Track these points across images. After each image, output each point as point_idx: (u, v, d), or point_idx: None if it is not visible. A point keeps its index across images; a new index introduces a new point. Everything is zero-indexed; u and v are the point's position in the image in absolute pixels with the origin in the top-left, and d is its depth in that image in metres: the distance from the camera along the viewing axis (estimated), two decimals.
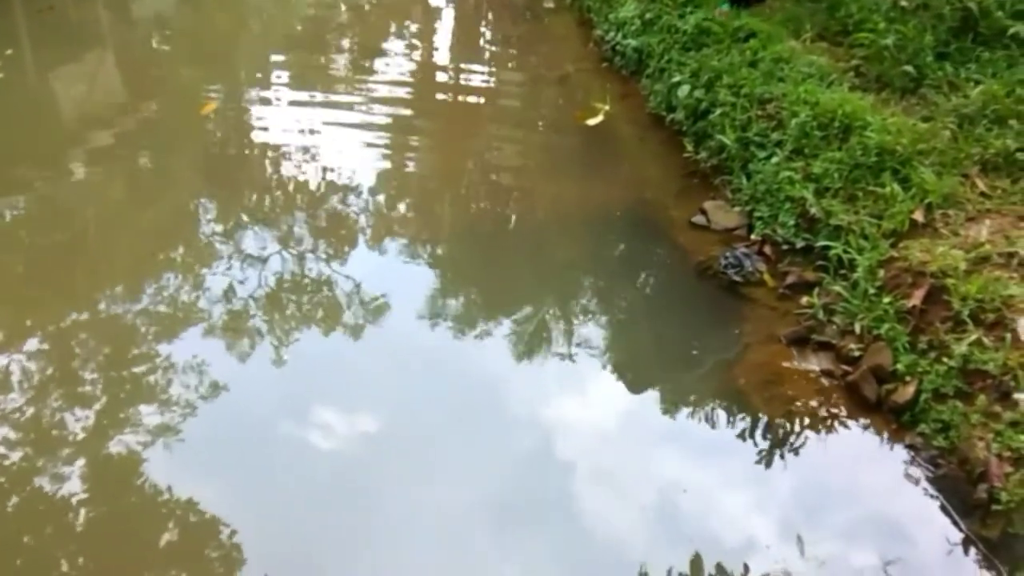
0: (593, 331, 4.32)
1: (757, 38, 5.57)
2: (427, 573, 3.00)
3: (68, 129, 6.12)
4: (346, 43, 8.34)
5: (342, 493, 3.28)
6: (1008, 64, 4.85)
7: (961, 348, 3.39)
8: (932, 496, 3.21)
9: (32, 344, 3.96)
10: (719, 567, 3.01)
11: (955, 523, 3.11)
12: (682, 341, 4.13)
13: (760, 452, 3.47)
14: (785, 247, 4.40)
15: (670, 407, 3.79)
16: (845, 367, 3.73)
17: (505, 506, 3.26)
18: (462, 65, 7.76)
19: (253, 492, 3.28)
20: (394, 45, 8.18)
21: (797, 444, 3.50)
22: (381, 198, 5.42)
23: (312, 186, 5.46)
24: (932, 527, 3.12)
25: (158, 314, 4.19)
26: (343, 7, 9.48)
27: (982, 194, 4.10)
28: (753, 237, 4.55)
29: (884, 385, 3.56)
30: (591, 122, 6.04)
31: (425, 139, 6.34)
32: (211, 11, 8.92)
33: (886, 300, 3.74)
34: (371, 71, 7.39)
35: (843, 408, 3.60)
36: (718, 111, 5.19)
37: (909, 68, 5.03)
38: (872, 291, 3.83)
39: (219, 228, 4.99)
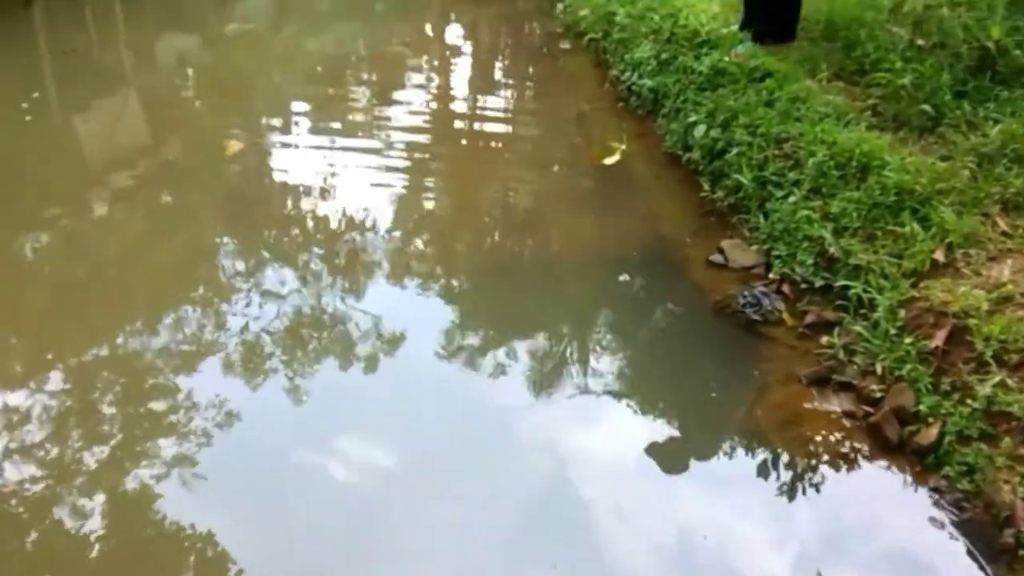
0: (609, 368, 4.30)
1: (773, 78, 5.60)
2: None
3: (92, 168, 6.22)
4: (365, 82, 8.47)
5: (357, 527, 3.27)
6: None
7: (985, 389, 3.34)
8: (957, 540, 3.14)
9: (51, 376, 4.00)
10: None
11: (981, 568, 3.03)
12: (700, 379, 4.10)
13: (780, 491, 3.42)
14: (804, 286, 4.38)
15: (688, 446, 3.75)
16: (867, 408, 3.68)
17: (520, 544, 3.22)
18: (479, 104, 7.85)
19: (269, 524, 3.27)
20: (412, 84, 8.29)
21: (818, 484, 3.45)
22: (398, 234, 5.45)
23: (330, 223, 5.51)
24: (957, 572, 3.05)
25: (176, 348, 4.22)
26: (362, 47, 9.63)
27: (1003, 233, 4.08)
28: (771, 276, 4.53)
29: (907, 427, 3.50)
30: (607, 161, 6.07)
31: (441, 178, 6.39)
32: (233, 53, 9.08)
33: (907, 340, 3.70)
34: (389, 109, 7.49)
35: (865, 449, 3.55)
36: (735, 150, 5.20)
37: (927, 107, 5.03)
38: (893, 331, 3.80)
39: (238, 264, 5.04)
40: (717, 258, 4.78)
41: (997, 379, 3.35)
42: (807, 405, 3.78)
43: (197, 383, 3.97)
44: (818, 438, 3.62)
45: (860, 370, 3.81)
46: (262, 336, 4.32)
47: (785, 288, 4.42)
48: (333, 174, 6.13)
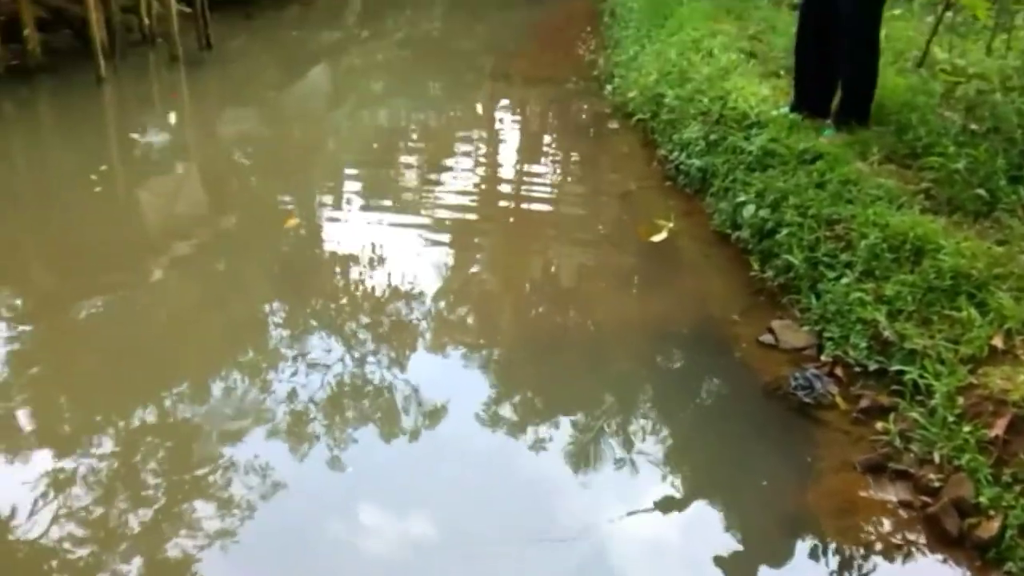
0: (655, 447, 4.21)
1: (824, 160, 5.59)
2: None
3: (151, 238, 6.41)
4: (415, 158, 8.65)
5: None
6: None
7: None
8: None
9: (98, 440, 4.05)
10: None
11: None
12: (750, 464, 3.99)
13: None
14: (857, 369, 4.28)
15: (736, 532, 3.63)
16: (924, 498, 3.55)
17: None
18: (526, 181, 7.95)
19: None
20: (461, 162, 8.43)
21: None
22: (443, 306, 5.49)
23: (378, 295, 5.57)
24: None
25: (222, 414, 4.26)
26: (413, 123, 9.89)
27: None
28: (823, 358, 4.44)
29: (967, 519, 3.36)
30: (655, 239, 6.08)
31: (488, 253, 6.45)
32: (290, 129, 9.37)
33: (966, 429, 3.58)
34: (438, 185, 7.61)
35: (923, 541, 3.41)
36: (785, 231, 5.17)
37: (981, 191, 4.98)
38: (951, 419, 3.68)
39: (286, 333, 5.11)
40: (767, 338, 4.71)
41: None
42: (862, 493, 3.66)
43: (239, 451, 3.99)
44: (874, 528, 3.50)
45: (917, 458, 3.69)
46: (307, 405, 4.34)
47: (838, 371, 4.32)
48: (381, 243, 6.22)
